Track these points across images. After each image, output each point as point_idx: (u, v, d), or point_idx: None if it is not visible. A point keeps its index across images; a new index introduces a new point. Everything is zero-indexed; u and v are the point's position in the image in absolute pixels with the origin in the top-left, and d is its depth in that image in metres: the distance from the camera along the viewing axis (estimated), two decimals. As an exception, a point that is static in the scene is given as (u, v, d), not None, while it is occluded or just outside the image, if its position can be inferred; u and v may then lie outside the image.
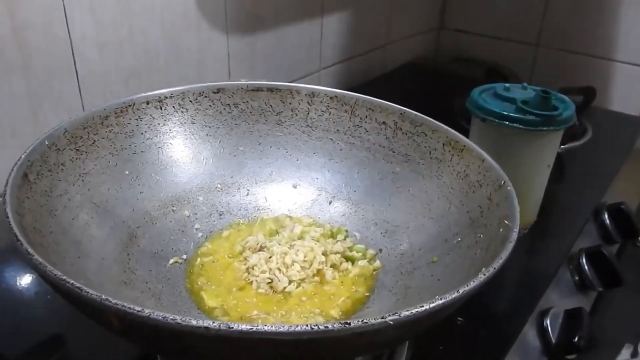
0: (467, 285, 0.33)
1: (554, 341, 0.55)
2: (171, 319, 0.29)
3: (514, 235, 0.39)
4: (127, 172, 0.52)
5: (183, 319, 0.29)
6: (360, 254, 0.53)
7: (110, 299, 0.29)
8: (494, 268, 0.35)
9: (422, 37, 1.28)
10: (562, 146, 0.83)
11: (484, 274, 0.35)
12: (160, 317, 0.29)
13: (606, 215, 0.74)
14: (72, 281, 0.30)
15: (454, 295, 0.32)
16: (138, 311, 0.29)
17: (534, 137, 0.60)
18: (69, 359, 0.49)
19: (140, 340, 0.35)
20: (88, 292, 0.30)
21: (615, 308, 0.73)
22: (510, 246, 0.38)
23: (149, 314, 0.29)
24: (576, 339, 0.54)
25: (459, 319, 0.54)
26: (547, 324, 0.56)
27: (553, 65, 1.18)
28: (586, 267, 0.65)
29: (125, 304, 0.29)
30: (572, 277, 0.66)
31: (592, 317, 0.61)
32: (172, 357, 0.44)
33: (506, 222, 0.41)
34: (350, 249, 0.53)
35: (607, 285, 0.66)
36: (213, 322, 0.28)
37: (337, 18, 1.00)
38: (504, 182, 0.46)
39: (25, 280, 0.56)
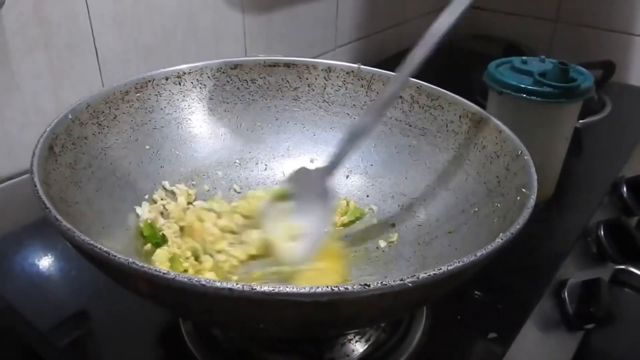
0: (485, 250, 0.34)
1: (571, 311, 0.56)
2: (196, 281, 0.29)
3: (531, 202, 0.39)
4: (147, 147, 0.53)
5: (207, 280, 0.29)
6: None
7: (137, 262, 0.30)
8: (511, 233, 0.36)
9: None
10: (580, 121, 0.82)
11: (501, 239, 0.35)
12: (185, 279, 0.30)
13: (625, 189, 0.73)
14: (100, 245, 0.31)
15: (472, 259, 0.33)
16: (164, 274, 0.30)
17: (551, 110, 0.60)
18: (94, 332, 0.50)
19: (166, 303, 0.36)
20: (116, 256, 0.31)
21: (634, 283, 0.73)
22: (527, 212, 0.38)
23: (174, 277, 0.30)
24: (594, 308, 0.54)
25: (477, 292, 0.54)
26: (565, 294, 0.57)
27: (572, 41, 1.16)
28: (604, 239, 0.65)
29: (152, 267, 0.30)
30: (591, 250, 0.66)
31: (611, 289, 0.61)
32: (198, 320, 0.45)
33: (524, 190, 0.42)
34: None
35: (627, 258, 0.66)
36: (237, 284, 0.29)
37: (353, -5, 1.00)
38: (521, 152, 0.46)
39: (51, 255, 0.57)
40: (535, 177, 0.42)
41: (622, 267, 0.67)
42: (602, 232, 0.65)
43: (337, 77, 0.61)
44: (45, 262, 0.56)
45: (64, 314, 0.50)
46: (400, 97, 0.58)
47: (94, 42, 0.63)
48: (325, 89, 0.61)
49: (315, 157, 0.60)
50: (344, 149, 0.48)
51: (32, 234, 0.59)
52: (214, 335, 0.47)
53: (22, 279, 0.54)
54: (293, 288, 0.29)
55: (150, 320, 0.49)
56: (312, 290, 0.29)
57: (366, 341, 0.47)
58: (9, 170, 0.60)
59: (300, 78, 0.61)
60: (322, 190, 0.48)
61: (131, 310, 0.49)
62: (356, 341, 0.47)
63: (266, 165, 0.60)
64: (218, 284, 0.29)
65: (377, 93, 0.59)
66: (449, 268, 0.32)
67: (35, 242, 0.58)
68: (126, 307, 0.49)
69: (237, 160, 0.59)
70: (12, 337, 0.52)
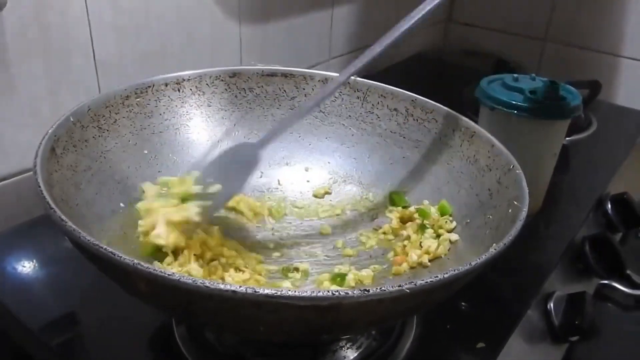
0: (479, 259, 0.35)
1: (557, 323, 0.57)
2: (200, 283, 0.30)
3: (523, 215, 0.40)
4: (146, 152, 0.54)
5: (211, 282, 0.30)
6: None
7: (142, 263, 0.31)
8: (504, 244, 0.37)
9: (430, 30, 1.29)
10: (567, 138, 0.84)
11: (495, 249, 0.36)
12: (189, 281, 0.30)
13: (609, 205, 0.75)
14: (105, 246, 0.32)
15: (466, 267, 0.34)
16: (169, 275, 0.30)
17: (541, 126, 0.61)
18: (86, 334, 0.50)
19: (168, 304, 0.37)
20: (121, 257, 0.31)
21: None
22: (519, 224, 0.39)
23: (179, 278, 0.30)
24: (578, 321, 0.56)
25: (463, 304, 0.55)
26: (550, 307, 0.58)
27: (560, 60, 1.19)
28: (589, 254, 0.67)
29: (156, 268, 0.31)
30: (576, 264, 0.67)
31: (595, 303, 0.62)
32: (198, 322, 0.45)
33: (515, 203, 0.43)
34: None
35: (610, 273, 0.67)
36: (240, 287, 0.30)
37: (347, 9, 1.01)
38: (513, 166, 0.47)
39: (43, 256, 0.57)
40: (526, 190, 0.44)
41: (606, 282, 0.68)
42: (587, 247, 0.67)
43: (334, 88, 0.62)
44: (38, 263, 0.56)
45: (55, 314, 0.50)
46: (395, 109, 0.59)
47: (92, 47, 0.64)
48: (321, 99, 0.62)
49: (310, 166, 0.61)
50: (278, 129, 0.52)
51: (24, 234, 0.59)
52: (207, 339, 0.48)
53: (14, 279, 0.54)
54: (295, 292, 0.30)
55: (143, 323, 0.49)
56: (314, 294, 0.30)
57: (357, 348, 0.48)
58: (2, 171, 0.60)
59: (297, 88, 0.62)
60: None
61: (124, 312, 0.49)
62: (348, 348, 0.48)
63: (262, 172, 0.60)
64: (222, 286, 0.30)
65: (373, 105, 0.61)
66: (445, 276, 0.33)
67: (27, 243, 0.58)
68: (120, 309, 0.49)
69: (234, 167, 0.60)
70: (3, 337, 0.52)
